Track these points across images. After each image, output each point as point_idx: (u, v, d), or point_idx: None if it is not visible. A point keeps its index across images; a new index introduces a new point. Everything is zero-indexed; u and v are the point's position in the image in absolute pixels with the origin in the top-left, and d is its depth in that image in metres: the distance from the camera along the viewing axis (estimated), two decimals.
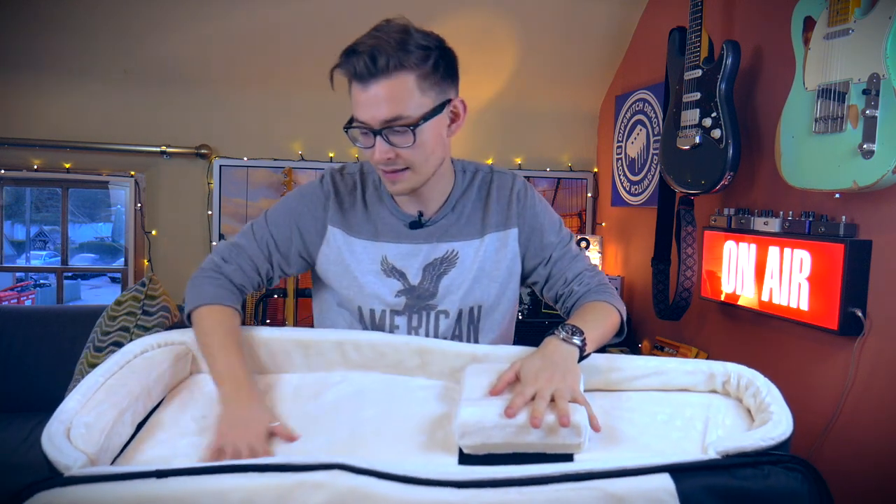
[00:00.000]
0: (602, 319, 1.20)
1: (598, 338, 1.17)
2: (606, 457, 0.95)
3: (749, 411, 1.08)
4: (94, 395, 1.01)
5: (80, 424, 0.93)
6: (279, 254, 1.30)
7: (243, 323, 1.25)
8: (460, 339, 1.31)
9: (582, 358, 1.10)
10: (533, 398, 0.96)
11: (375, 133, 1.14)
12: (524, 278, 1.37)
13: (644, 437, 1.02)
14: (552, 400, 0.96)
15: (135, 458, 0.99)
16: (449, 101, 1.20)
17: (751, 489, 0.83)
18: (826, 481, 0.86)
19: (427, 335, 1.30)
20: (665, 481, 0.82)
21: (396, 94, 1.11)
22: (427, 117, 1.14)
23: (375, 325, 1.30)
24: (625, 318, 1.27)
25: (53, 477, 0.82)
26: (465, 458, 0.95)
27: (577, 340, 1.09)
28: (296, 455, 0.96)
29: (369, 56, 1.10)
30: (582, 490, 0.81)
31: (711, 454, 0.88)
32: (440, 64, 1.16)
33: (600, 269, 3.30)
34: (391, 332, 1.29)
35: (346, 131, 1.18)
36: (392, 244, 1.29)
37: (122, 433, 1.01)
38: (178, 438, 1.03)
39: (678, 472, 0.83)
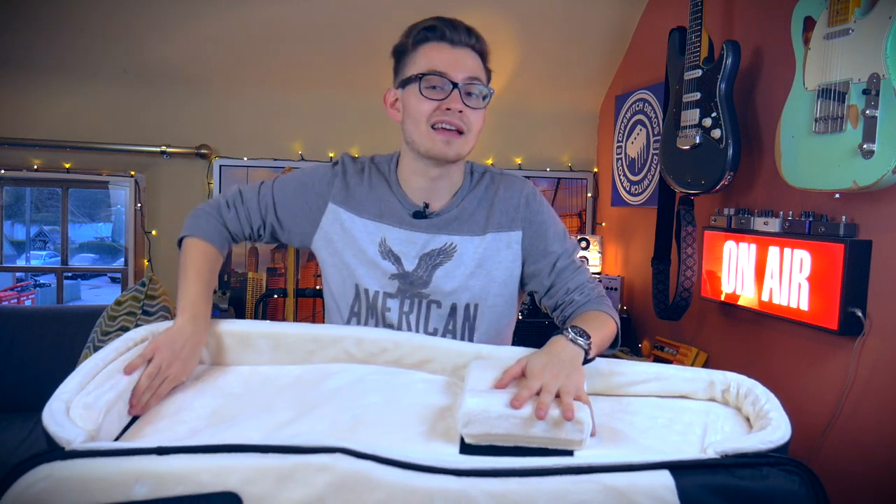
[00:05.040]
0: (603, 328, 1.23)
1: (600, 343, 1.20)
2: (607, 454, 0.95)
3: (748, 420, 1.08)
4: (94, 378, 1.01)
5: (80, 405, 0.93)
6: (274, 216, 1.39)
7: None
8: (454, 336, 1.33)
9: (586, 361, 1.12)
10: (538, 393, 0.98)
11: (455, 85, 1.23)
12: (522, 283, 1.38)
13: (644, 438, 1.02)
14: (557, 395, 0.98)
15: (134, 440, 0.99)
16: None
17: (749, 489, 0.83)
18: (824, 485, 0.86)
19: (418, 322, 1.32)
20: (665, 478, 0.82)
21: (477, 64, 1.29)
22: (491, 94, 1.29)
23: (370, 304, 1.33)
24: (619, 330, 1.31)
25: (54, 450, 0.82)
26: (466, 449, 0.95)
27: (584, 343, 1.12)
28: (299, 438, 0.97)
29: (465, 28, 1.28)
30: (583, 483, 0.81)
31: (711, 454, 0.88)
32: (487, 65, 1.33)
33: (600, 269, 3.32)
34: (383, 314, 1.32)
35: (420, 79, 1.24)
36: (394, 228, 1.34)
37: (121, 416, 1.01)
38: (178, 425, 1.04)
39: (678, 469, 0.83)
